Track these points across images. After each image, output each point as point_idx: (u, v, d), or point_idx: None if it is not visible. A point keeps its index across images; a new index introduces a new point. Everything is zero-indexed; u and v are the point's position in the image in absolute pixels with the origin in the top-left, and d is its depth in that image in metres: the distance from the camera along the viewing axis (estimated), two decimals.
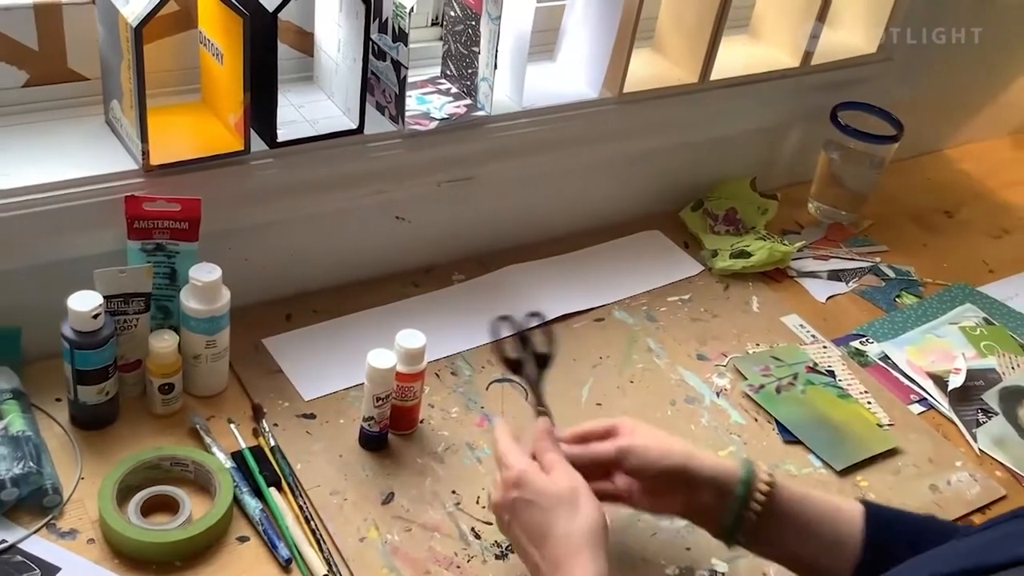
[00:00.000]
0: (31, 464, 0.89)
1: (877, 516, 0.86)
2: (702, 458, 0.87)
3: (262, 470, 0.96)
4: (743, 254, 1.36)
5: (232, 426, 1.01)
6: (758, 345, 1.25)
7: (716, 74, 1.34)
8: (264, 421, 1.02)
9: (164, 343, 0.98)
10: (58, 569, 0.85)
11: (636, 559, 0.95)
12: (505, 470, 0.84)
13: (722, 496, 0.85)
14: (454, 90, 1.20)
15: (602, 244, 1.38)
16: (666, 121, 1.35)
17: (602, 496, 0.84)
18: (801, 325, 1.29)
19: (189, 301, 0.98)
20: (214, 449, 0.96)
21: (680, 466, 0.86)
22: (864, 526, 0.85)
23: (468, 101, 1.18)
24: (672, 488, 0.87)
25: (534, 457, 0.86)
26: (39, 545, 0.86)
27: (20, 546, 0.86)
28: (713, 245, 1.39)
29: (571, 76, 1.29)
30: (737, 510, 0.85)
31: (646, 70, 1.32)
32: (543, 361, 0.97)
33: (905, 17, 1.49)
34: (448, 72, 1.22)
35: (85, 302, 0.91)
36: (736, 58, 1.40)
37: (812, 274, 1.40)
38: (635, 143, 1.35)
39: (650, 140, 1.36)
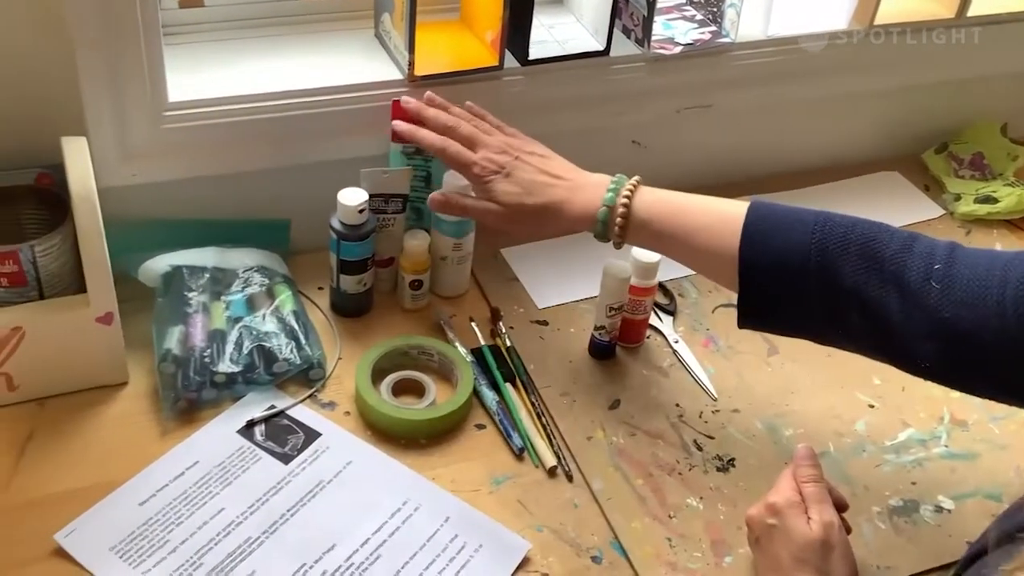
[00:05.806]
0: (301, 340, 0.98)
1: (755, 223, 0.84)
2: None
3: (499, 366, 1.02)
4: (989, 200, 1.31)
5: (472, 324, 1.07)
6: None
7: (975, 10, 1.27)
8: (501, 323, 1.08)
9: (417, 241, 1.05)
10: (319, 435, 0.94)
11: (858, 487, 0.95)
12: (773, 492, 0.82)
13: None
14: (699, 17, 1.21)
15: (838, 181, 1.35)
16: (916, 58, 1.30)
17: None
18: None
19: None
20: (456, 343, 1.03)
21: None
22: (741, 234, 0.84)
23: (713, 28, 1.19)
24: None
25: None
26: (304, 413, 0.96)
27: (288, 412, 0.96)
28: (956, 189, 1.34)
29: (820, 5, 1.26)
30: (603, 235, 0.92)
31: (899, 3, 1.28)
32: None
33: None
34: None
35: (353, 197, 0.99)
36: None
37: None
38: (880, 79, 1.31)
39: (896, 77, 1.32)
